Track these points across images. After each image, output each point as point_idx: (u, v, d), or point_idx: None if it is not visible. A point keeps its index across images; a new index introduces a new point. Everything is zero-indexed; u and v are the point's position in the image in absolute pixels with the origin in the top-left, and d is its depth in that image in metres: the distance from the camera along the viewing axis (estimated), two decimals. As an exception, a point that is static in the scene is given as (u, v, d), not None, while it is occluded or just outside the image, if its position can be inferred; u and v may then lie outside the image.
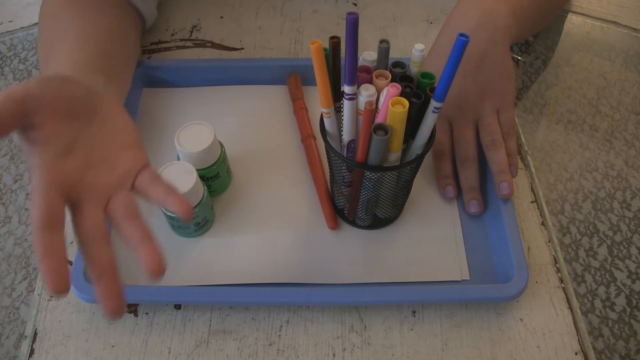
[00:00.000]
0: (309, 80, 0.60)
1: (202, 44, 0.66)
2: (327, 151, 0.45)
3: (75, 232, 0.34)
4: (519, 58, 0.66)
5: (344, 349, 0.44)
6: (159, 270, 0.33)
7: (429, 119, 0.41)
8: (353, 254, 0.49)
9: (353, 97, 0.40)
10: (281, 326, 0.46)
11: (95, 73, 0.45)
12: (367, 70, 0.41)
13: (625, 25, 0.70)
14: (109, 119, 0.38)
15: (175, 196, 0.36)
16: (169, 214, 0.46)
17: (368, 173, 0.42)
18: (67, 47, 0.48)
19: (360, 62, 0.41)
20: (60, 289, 0.30)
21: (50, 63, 0.47)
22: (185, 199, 0.36)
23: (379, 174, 0.42)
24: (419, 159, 0.43)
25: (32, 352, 0.44)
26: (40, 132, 0.34)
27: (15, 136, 0.59)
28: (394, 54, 0.49)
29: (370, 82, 0.40)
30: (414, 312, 0.46)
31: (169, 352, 0.44)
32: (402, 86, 0.38)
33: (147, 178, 0.37)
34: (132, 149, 0.38)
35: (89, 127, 0.37)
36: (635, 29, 0.69)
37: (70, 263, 0.48)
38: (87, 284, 0.44)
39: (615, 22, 0.70)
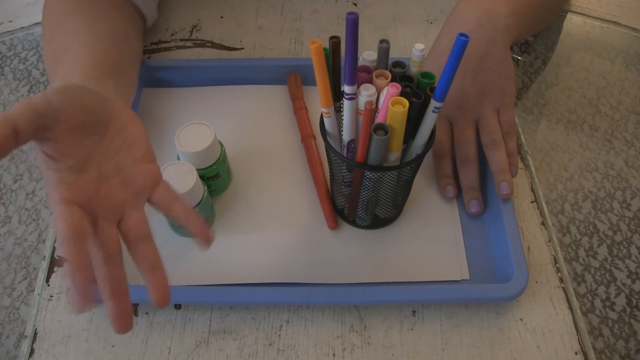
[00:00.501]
0: (309, 80, 0.60)
1: (202, 44, 0.66)
2: (327, 151, 0.45)
3: (95, 247, 0.34)
4: (519, 58, 0.66)
5: (344, 349, 0.44)
6: (164, 302, 0.35)
7: (429, 119, 0.41)
8: (353, 254, 0.49)
9: (353, 97, 0.40)
10: (281, 326, 0.46)
11: (105, 79, 0.45)
12: (367, 70, 0.41)
13: (625, 25, 0.70)
14: (121, 130, 0.37)
15: (195, 220, 0.37)
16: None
17: (368, 173, 0.42)
18: (75, 53, 0.48)
19: (360, 62, 0.41)
20: (90, 304, 0.31)
21: (59, 70, 0.46)
22: (204, 224, 0.37)
23: (379, 174, 0.42)
24: (419, 159, 0.43)
25: (32, 352, 0.44)
26: (56, 146, 0.34)
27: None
28: (394, 54, 0.49)
29: (370, 82, 0.40)
30: (414, 312, 0.46)
31: (169, 352, 0.44)
32: (402, 86, 0.38)
33: (166, 196, 0.38)
34: (145, 162, 0.38)
35: (102, 140, 0.36)
36: (635, 29, 0.69)
37: (70, 263, 0.48)
38: (87, 283, 0.44)
39: (615, 22, 0.70)
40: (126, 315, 0.33)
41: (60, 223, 0.32)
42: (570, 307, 0.46)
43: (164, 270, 0.36)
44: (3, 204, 0.54)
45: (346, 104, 0.40)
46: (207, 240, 0.37)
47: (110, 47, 0.50)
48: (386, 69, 0.41)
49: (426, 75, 0.41)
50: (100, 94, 0.38)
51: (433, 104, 0.40)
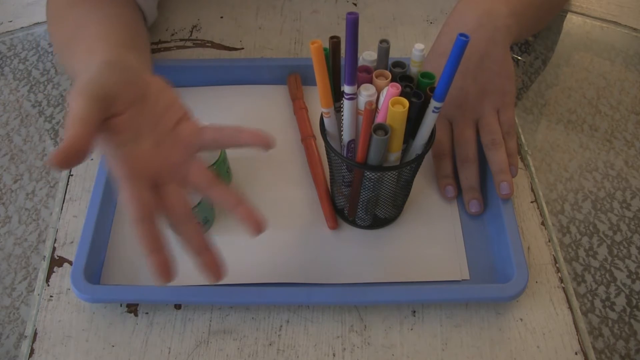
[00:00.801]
0: (309, 80, 0.60)
1: (202, 44, 0.66)
2: (327, 151, 0.45)
3: (164, 215, 0.36)
4: (519, 58, 0.66)
5: (344, 349, 0.44)
6: (259, 227, 0.38)
7: (429, 119, 0.41)
8: (353, 254, 0.49)
9: (353, 97, 0.40)
10: (281, 326, 0.46)
11: (127, 51, 0.45)
12: (367, 70, 0.41)
13: (625, 25, 0.70)
14: (159, 96, 0.39)
15: (241, 201, 0.39)
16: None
17: (368, 173, 0.42)
18: (92, 30, 0.48)
19: (360, 62, 0.41)
20: (169, 279, 0.35)
21: (78, 46, 0.46)
22: (252, 209, 0.38)
23: (379, 174, 0.42)
24: (419, 159, 0.43)
25: (32, 352, 0.44)
26: (115, 122, 0.35)
27: (15, 136, 0.59)
28: (394, 54, 0.49)
29: (370, 82, 0.40)
30: (414, 312, 0.46)
31: (169, 352, 0.44)
32: (402, 86, 0.38)
33: (204, 177, 0.39)
34: (186, 119, 0.40)
35: (145, 108, 0.38)
36: (635, 29, 0.69)
37: (70, 263, 0.48)
38: (87, 284, 0.44)
39: (615, 22, 0.70)
40: (217, 263, 0.37)
41: (129, 203, 0.34)
42: (570, 307, 0.46)
43: (246, 203, 0.38)
44: (3, 204, 0.54)
45: (346, 104, 0.40)
46: (256, 227, 0.38)
47: (124, 25, 0.51)
48: (386, 69, 0.41)
49: (426, 75, 0.41)
50: (133, 66, 0.39)
51: (433, 104, 0.40)
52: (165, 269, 0.35)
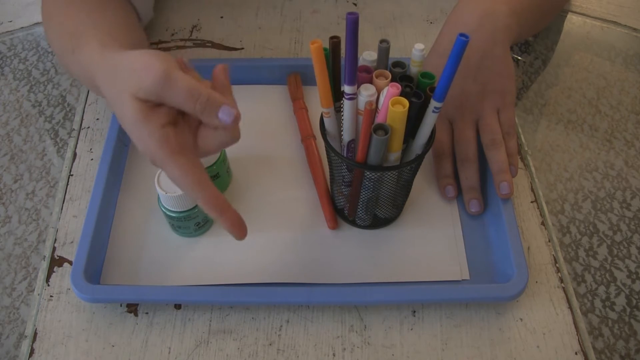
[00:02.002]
0: (309, 80, 0.60)
1: (202, 44, 0.66)
2: (327, 151, 0.45)
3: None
4: (519, 58, 0.66)
5: (344, 349, 0.44)
6: (243, 232, 0.39)
7: (429, 119, 0.41)
8: (353, 254, 0.49)
9: (353, 97, 0.40)
10: (281, 326, 0.46)
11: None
12: (367, 70, 0.41)
13: (625, 25, 0.70)
14: None
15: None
16: (169, 213, 0.46)
17: (368, 173, 0.42)
18: (96, 23, 0.49)
19: (360, 62, 0.41)
20: (244, 234, 0.38)
21: (83, 43, 0.46)
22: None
23: (379, 174, 0.42)
24: (419, 158, 0.43)
25: (32, 352, 0.44)
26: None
27: (15, 136, 0.59)
28: (394, 54, 0.49)
29: (370, 82, 0.40)
30: (414, 312, 0.46)
31: (169, 352, 0.44)
32: (402, 86, 0.38)
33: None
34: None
35: None
36: (635, 29, 0.69)
37: (70, 263, 0.48)
38: (87, 284, 0.44)
39: (615, 22, 0.70)
40: (241, 221, 0.39)
41: (184, 175, 0.36)
42: (570, 307, 0.46)
43: (231, 210, 0.38)
44: (3, 204, 0.54)
45: (346, 104, 0.40)
46: (241, 234, 0.39)
47: (123, 18, 0.52)
48: (386, 69, 0.41)
49: (426, 75, 0.41)
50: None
51: (433, 104, 0.40)
52: (240, 223, 0.38)
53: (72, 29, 0.49)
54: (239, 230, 0.38)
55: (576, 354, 0.44)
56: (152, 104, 0.37)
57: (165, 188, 0.44)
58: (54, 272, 0.48)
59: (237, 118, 0.37)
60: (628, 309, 0.47)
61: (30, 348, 0.44)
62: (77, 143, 0.57)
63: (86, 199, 0.52)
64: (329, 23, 0.69)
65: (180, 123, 0.38)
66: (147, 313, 0.46)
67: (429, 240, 0.49)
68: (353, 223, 0.50)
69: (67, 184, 0.54)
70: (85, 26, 0.48)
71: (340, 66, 0.40)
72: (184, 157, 0.37)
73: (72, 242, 0.50)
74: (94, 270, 0.47)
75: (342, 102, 0.41)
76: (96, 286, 0.45)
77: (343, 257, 0.48)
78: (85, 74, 0.46)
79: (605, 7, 0.72)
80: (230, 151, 0.53)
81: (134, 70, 0.37)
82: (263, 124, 0.58)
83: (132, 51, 0.39)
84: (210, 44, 0.66)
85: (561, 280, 0.48)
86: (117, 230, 0.50)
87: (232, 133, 0.38)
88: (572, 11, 0.71)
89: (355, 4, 0.71)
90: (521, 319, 0.46)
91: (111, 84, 0.39)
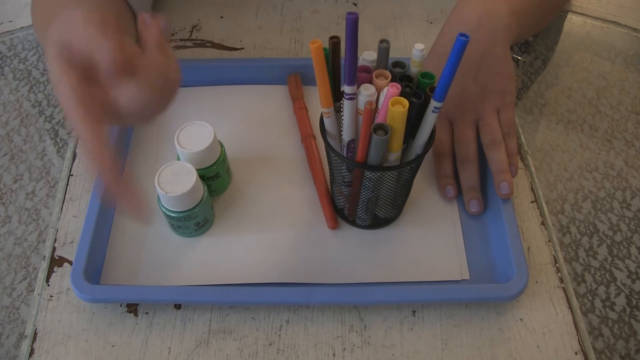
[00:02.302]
0: (309, 80, 0.60)
1: (202, 44, 0.66)
2: (327, 151, 0.45)
3: None
4: (519, 58, 0.66)
5: (344, 349, 0.44)
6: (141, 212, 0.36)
7: (429, 119, 0.41)
8: (353, 254, 0.49)
9: (353, 97, 0.40)
10: (281, 326, 0.46)
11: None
12: (367, 70, 0.41)
13: (625, 25, 0.70)
14: None
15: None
16: (169, 213, 0.46)
17: (368, 173, 0.42)
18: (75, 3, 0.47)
19: (360, 62, 0.41)
20: (142, 213, 0.35)
21: (59, 11, 0.44)
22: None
23: (379, 174, 0.42)
24: (419, 158, 0.43)
25: (32, 352, 0.44)
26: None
27: (15, 136, 0.59)
28: (394, 54, 0.49)
29: (370, 82, 0.40)
30: (414, 312, 0.46)
31: (169, 352, 0.44)
32: (402, 86, 0.38)
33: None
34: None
35: None
36: (635, 29, 0.69)
37: (70, 263, 0.48)
38: (87, 284, 0.44)
39: (615, 22, 0.70)
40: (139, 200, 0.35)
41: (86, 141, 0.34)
42: (570, 307, 0.46)
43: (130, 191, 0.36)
44: (3, 204, 0.54)
45: (346, 104, 0.40)
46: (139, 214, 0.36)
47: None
48: (386, 69, 0.41)
49: (426, 75, 0.41)
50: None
51: (433, 104, 0.40)
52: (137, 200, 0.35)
53: (49, 11, 0.48)
54: (137, 211, 0.35)
55: (576, 354, 0.44)
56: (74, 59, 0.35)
57: (165, 188, 0.44)
58: (54, 272, 0.48)
59: (115, 64, 0.34)
60: (628, 309, 0.47)
61: (30, 348, 0.44)
62: (77, 143, 0.57)
63: (86, 199, 0.52)
64: (329, 23, 0.69)
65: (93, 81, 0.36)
66: (147, 313, 0.46)
67: (429, 240, 0.49)
68: (353, 223, 0.50)
69: (67, 184, 0.54)
70: (62, 6, 0.47)
71: (340, 66, 0.40)
72: (94, 118, 0.34)
73: (72, 242, 0.50)
74: (94, 270, 0.47)
75: (342, 102, 0.41)
76: (96, 286, 0.45)
77: (343, 257, 0.48)
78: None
79: (605, 7, 0.72)
80: (230, 151, 0.53)
81: (71, 23, 0.36)
82: (263, 124, 0.58)
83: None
84: (210, 44, 0.66)
85: (561, 280, 0.48)
86: (117, 230, 0.50)
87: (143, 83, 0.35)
88: (572, 11, 0.71)
89: (355, 4, 0.71)
90: (521, 319, 0.46)
91: (51, 31, 0.38)
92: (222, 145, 0.50)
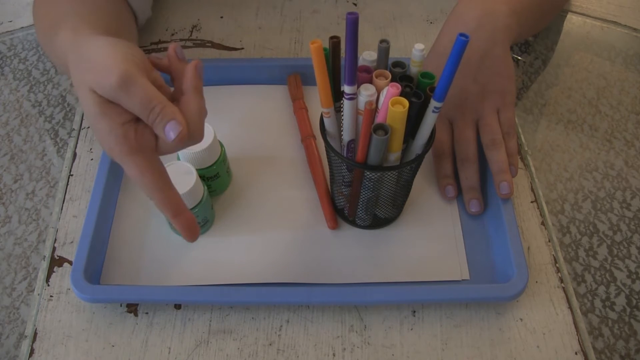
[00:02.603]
0: (309, 80, 0.60)
1: (202, 44, 0.66)
2: (327, 151, 0.45)
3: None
4: (519, 58, 0.66)
5: (344, 349, 0.44)
6: (194, 235, 0.39)
7: (429, 119, 0.41)
8: (353, 254, 0.49)
9: (353, 97, 0.40)
10: (281, 326, 0.46)
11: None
12: (367, 70, 0.41)
13: (625, 25, 0.70)
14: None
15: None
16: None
17: (368, 173, 0.42)
18: (79, 13, 0.47)
19: (360, 62, 0.41)
20: (197, 236, 0.38)
21: (59, 28, 0.45)
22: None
23: (379, 174, 0.42)
24: (419, 158, 0.43)
25: (32, 352, 0.44)
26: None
27: (15, 136, 0.59)
28: (394, 54, 0.49)
29: (370, 82, 0.40)
30: (414, 312, 0.46)
31: (169, 352, 0.44)
32: (402, 86, 0.38)
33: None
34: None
35: None
36: (635, 29, 0.69)
37: (70, 263, 0.48)
38: (87, 284, 0.44)
39: (615, 22, 0.70)
40: (193, 225, 0.38)
41: (140, 176, 0.35)
42: (570, 307, 0.46)
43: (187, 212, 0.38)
44: (3, 204, 0.54)
45: (346, 104, 0.40)
46: (192, 236, 0.38)
47: (113, 16, 0.51)
48: (386, 69, 0.41)
49: (426, 75, 0.41)
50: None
51: (433, 104, 0.40)
52: (192, 227, 0.38)
53: (53, 18, 0.48)
54: (190, 233, 0.38)
55: (576, 354, 0.44)
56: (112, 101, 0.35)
57: (165, 188, 0.44)
58: (54, 272, 0.48)
59: (182, 136, 0.34)
60: (628, 309, 0.47)
61: (30, 348, 0.44)
62: (77, 143, 0.57)
63: (86, 199, 0.52)
64: (329, 23, 0.69)
65: (142, 121, 0.36)
66: (147, 313, 0.46)
67: (429, 240, 0.49)
68: (353, 223, 0.50)
69: (67, 184, 0.54)
70: (65, 14, 0.47)
71: (340, 66, 0.40)
72: (142, 157, 0.36)
73: (72, 242, 0.50)
74: (94, 270, 0.47)
75: (342, 102, 0.41)
76: (96, 286, 0.45)
77: (343, 257, 0.48)
78: (61, 60, 0.44)
79: (605, 7, 0.72)
80: (230, 151, 0.53)
81: (94, 66, 0.35)
82: (263, 124, 0.58)
83: (100, 39, 0.37)
84: (210, 44, 0.66)
85: (561, 280, 0.48)
86: (117, 230, 0.50)
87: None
88: (572, 11, 0.71)
89: (355, 4, 0.71)
90: (521, 319, 0.46)
91: (75, 70, 0.38)
92: (222, 145, 0.50)
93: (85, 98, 0.35)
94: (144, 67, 0.36)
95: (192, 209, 0.46)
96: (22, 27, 0.69)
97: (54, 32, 0.45)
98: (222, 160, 0.49)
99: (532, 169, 0.55)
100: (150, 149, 0.36)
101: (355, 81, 0.39)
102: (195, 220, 0.38)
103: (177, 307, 0.47)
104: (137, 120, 0.36)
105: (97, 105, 0.35)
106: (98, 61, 0.35)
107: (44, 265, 0.49)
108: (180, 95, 0.37)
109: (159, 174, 0.36)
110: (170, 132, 0.34)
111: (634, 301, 0.48)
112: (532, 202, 0.53)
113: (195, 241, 0.39)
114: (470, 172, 0.51)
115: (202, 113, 0.37)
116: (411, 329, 0.45)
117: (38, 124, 0.60)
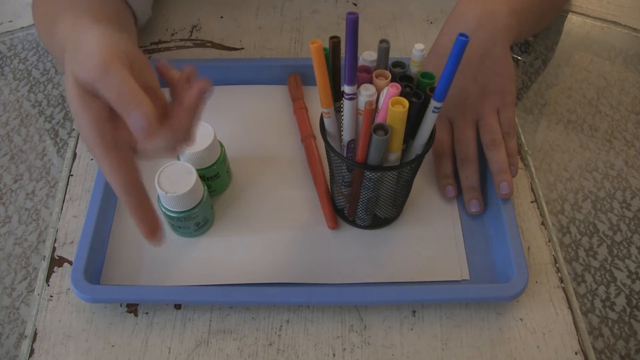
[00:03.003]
0: (309, 80, 0.60)
1: (202, 44, 0.66)
2: (327, 151, 0.45)
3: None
4: (519, 58, 0.66)
5: (344, 349, 0.44)
6: (155, 235, 0.38)
7: (429, 119, 0.41)
8: (353, 254, 0.49)
9: (353, 97, 0.40)
10: (281, 326, 0.46)
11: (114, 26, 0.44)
12: (367, 70, 0.41)
13: (625, 25, 0.70)
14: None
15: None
16: (169, 213, 0.46)
17: (368, 173, 0.42)
18: (74, 4, 0.47)
19: (360, 62, 0.41)
20: (159, 241, 0.37)
21: (59, 21, 0.44)
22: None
23: (379, 174, 0.42)
24: (419, 158, 0.43)
25: (32, 352, 0.44)
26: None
27: (15, 136, 0.59)
28: (394, 54, 0.49)
29: (370, 82, 0.40)
30: (414, 312, 0.46)
31: (169, 352, 0.44)
32: (402, 86, 0.38)
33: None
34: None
35: None
36: (635, 29, 0.69)
37: (70, 263, 0.48)
38: (87, 284, 0.44)
39: (615, 22, 0.70)
40: (155, 228, 0.37)
41: (112, 173, 0.35)
42: (570, 307, 0.46)
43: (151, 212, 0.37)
44: (3, 204, 0.54)
45: (346, 104, 0.40)
46: (152, 236, 0.37)
47: (113, 14, 0.51)
48: (386, 69, 0.41)
49: (426, 75, 0.41)
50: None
51: (433, 104, 0.40)
52: (156, 232, 0.37)
53: (53, 13, 0.48)
54: (153, 238, 0.37)
55: (576, 354, 0.44)
56: (94, 92, 0.35)
57: (165, 188, 0.44)
58: (54, 272, 0.48)
59: (146, 131, 0.33)
60: (628, 309, 0.47)
61: (30, 348, 0.44)
62: (77, 143, 0.57)
63: (86, 199, 0.52)
64: (329, 23, 0.69)
65: (122, 119, 0.35)
66: (147, 313, 0.46)
67: (429, 240, 0.49)
68: (353, 223, 0.50)
69: (67, 184, 0.54)
70: (65, 9, 0.47)
71: (340, 66, 0.40)
72: (116, 155, 0.35)
73: (72, 242, 0.50)
74: (94, 270, 0.47)
75: (342, 102, 0.41)
76: (96, 286, 0.45)
77: (343, 257, 0.48)
78: (59, 52, 0.43)
79: (605, 7, 0.72)
80: (230, 151, 0.53)
81: (78, 53, 0.35)
82: (263, 124, 0.58)
83: (99, 28, 0.36)
84: (210, 44, 0.66)
85: (561, 280, 0.48)
86: (117, 230, 0.50)
87: (164, 142, 0.35)
88: (572, 11, 0.71)
89: (355, 4, 0.71)
90: (521, 319, 0.46)
91: (68, 60, 0.37)
92: (222, 145, 0.50)
93: (70, 87, 0.35)
94: (130, 60, 0.35)
95: (192, 208, 0.46)
96: (22, 27, 0.69)
97: (54, 25, 0.45)
98: (222, 160, 0.49)
99: (532, 169, 0.55)
100: (126, 148, 0.36)
101: (355, 81, 0.39)
102: (159, 226, 0.37)
103: (177, 307, 0.47)
104: (118, 118, 0.35)
105: (79, 96, 0.35)
106: (86, 47, 0.35)
107: (44, 265, 0.49)
108: (176, 108, 0.37)
109: (130, 174, 0.35)
110: (134, 123, 0.33)
111: (634, 301, 0.48)
112: (532, 202, 0.53)
113: (159, 245, 0.38)
114: (470, 172, 0.51)
115: (188, 135, 0.37)
116: (411, 329, 0.45)
117: (38, 124, 0.60)
